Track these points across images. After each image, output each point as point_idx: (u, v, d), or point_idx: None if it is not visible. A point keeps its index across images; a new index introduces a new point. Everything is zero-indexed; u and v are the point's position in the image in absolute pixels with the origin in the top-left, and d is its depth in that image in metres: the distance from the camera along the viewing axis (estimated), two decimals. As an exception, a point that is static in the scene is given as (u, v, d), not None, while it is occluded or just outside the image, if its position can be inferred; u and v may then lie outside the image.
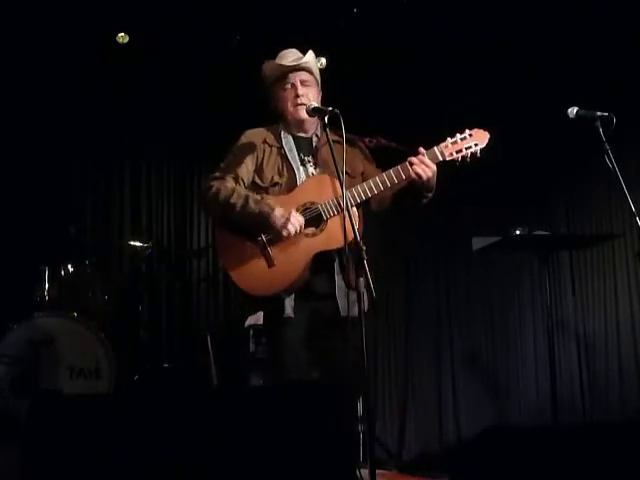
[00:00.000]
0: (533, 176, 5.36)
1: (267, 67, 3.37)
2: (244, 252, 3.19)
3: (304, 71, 3.33)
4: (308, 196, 3.19)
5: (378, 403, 5.35)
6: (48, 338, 4.37)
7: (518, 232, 4.31)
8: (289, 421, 2.46)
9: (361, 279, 2.77)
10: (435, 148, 3.17)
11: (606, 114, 3.14)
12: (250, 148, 3.32)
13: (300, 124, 3.34)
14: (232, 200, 3.17)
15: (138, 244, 5.19)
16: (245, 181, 3.27)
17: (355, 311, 2.88)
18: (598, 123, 3.14)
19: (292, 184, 3.25)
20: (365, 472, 2.76)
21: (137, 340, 5.05)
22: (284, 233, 3.12)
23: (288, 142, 3.34)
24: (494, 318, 5.54)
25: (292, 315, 3.17)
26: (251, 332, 4.80)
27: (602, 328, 5.21)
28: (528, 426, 4.98)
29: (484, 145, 3.18)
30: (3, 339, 4.32)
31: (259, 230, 3.17)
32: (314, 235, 3.18)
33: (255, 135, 3.36)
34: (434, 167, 3.14)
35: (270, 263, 3.16)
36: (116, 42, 5.25)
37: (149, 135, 5.67)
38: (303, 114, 3.26)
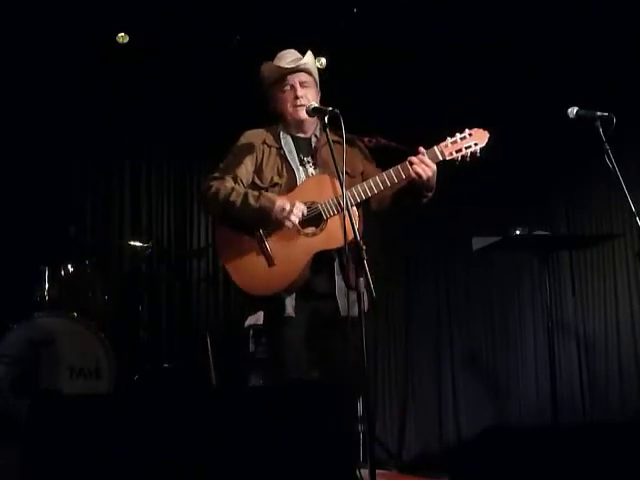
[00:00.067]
0: (533, 176, 5.36)
1: (265, 69, 3.37)
2: (244, 251, 3.19)
3: (303, 72, 3.32)
4: (308, 196, 3.19)
5: (378, 403, 5.35)
6: (48, 338, 4.37)
7: (518, 232, 4.31)
8: (289, 421, 2.46)
9: (361, 279, 2.76)
10: (435, 147, 3.17)
11: (606, 114, 3.14)
12: (249, 149, 3.32)
13: (299, 125, 3.34)
14: (232, 198, 3.17)
15: (138, 244, 5.18)
16: (244, 181, 3.27)
17: (355, 311, 2.88)
18: (598, 123, 3.13)
19: (292, 184, 3.25)
20: (365, 472, 2.76)
21: (137, 340, 5.04)
22: (288, 225, 3.13)
23: (287, 143, 3.34)
24: (494, 318, 5.54)
25: (293, 315, 3.17)
26: (251, 332, 4.79)
27: (602, 328, 5.22)
28: (528, 426, 4.99)
29: (484, 144, 3.18)
30: (3, 339, 4.32)
31: (261, 226, 3.17)
32: (314, 235, 3.18)
33: (254, 136, 3.36)
34: (434, 166, 3.14)
35: (270, 262, 3.16)
36: (116, 42, 5.24)
37: (149, 135, 5.67)
38: (303, 115, 3.26)
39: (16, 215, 5.04)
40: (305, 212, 3.15)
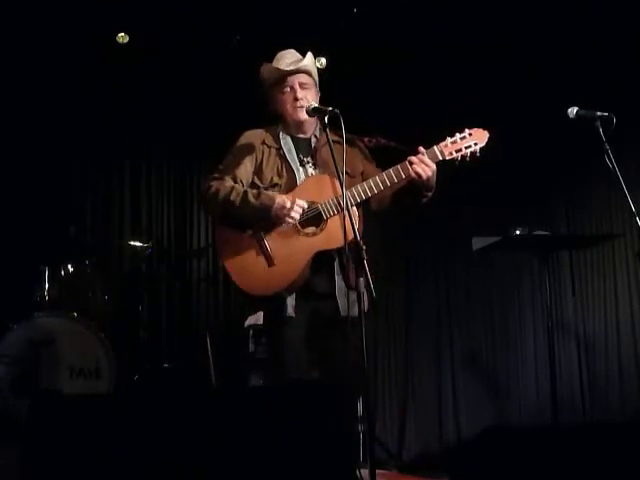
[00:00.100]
0: (533, 176, 5.36)
1: (265, 70, 3.36)
2: (244, 251, 3.19)
3: (303, 73, 3.32)
4: (308, 196, 3.19)
5: (378, 403, 5.35)
6: (48, 338, 4.37)
7: (518, 232, 4.31)
8: (289, 421, 2.46)
9: (361, 279, 2.77)
10: (435, 147, 3.17)
11: (606, 114, 3.14)
12: (249, 149, 3.32)
13: (299, 126, 3.34)
14: (231, 197, 3.17)
15: (138, 244, 5.18)
16: (244, 182, 3.27)
17: (355, 311, 2.88)
18: (598, 123, 3.13)
19: (292, 185, 3.25)
20: (365, 472, 2.76)
21: (137, 340, 5.04)
22: (289, 221, 3.13)
23: (287, 143, 3.34)
24: (494, 318, 5.54)
25: (293, 315, 3.17)
26: (251, 332, 4.80)
27: (602, 328, 5.22)
28: (528, 426, 4.98)
29: (484, 144, 3.18)
30: (3, 339, 4.32)
31: (261, 224, 3.17)
32: (314, 234, 3.18)
33: (254, 136, 3.36)
34: (434, 166, 3.14)
35: (270, 262, 3.16)
36: (116, 42, 5.24)
37: (149, 135, 5.67)
38: (303, 116, 3.27)
39: (16, 215, 5.04)
40: (305, 207, 3.15)
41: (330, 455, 2.44)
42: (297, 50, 3.39)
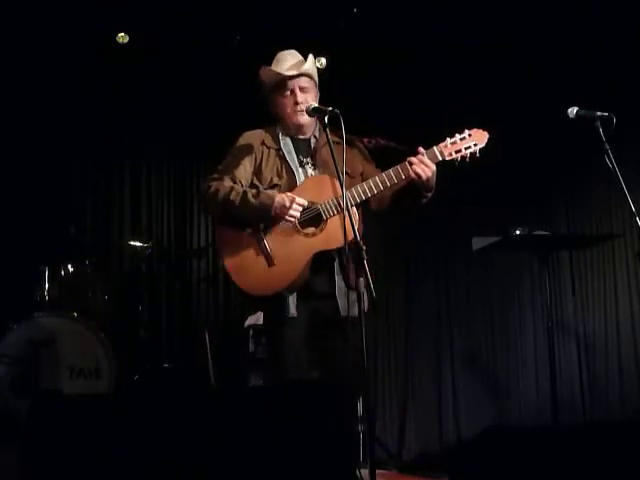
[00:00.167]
0: (533, 176, 5.36)
1: (265, 74, 3.35)
2: (244, 251, 3.19)
3: (304, 77, 3.31)
4: (308, 196, 3.19)
5: (378, 403, 5.35)
6: (48, 338, 4.37)
7: (518, 232, 4.31)
8: (289, 421, 2.46)
9: (361, 279, 2.77)
10: (435, 148, 3.17)
11: (606, 114, 3.14)
12: (248, 150, 3.32)
13: (299, 128, 3.34)
14: (231, 197, 3.17)
15: (138, 244, 5.18)
16: (243, 182, 3.27)
17: (355, 311, 2.88)
18: (598, 123, 3.13)
19: (291, 186, 3.25)
20: (365, 472, 2.76)
21: (137, 340, 5.05)
22: (289, 220, 3.13)
23: (286, 144, 3.34)
24: (494, 318, 5.54)
25: (296, 315, 3.17)
26: (251, 332, 4.80)
27: (602, 328, 5.22)
28: (528, 426, 4.99)
29: (483, 145, 3.18)
30: (3, 339, 4.32)
31: (261, 223, 3.17)
32: (314, 235, 3.18)
33: (253, 137, 3.36)
34: (434, 167, 3.14)
35: (270, 262, 3.16)
36: (116, 42, 5.24)
37: (149, 135, 5.67)
38: (303, 120, 3.28)
39: (16, 215, 5.04)
40: (305, 205, 3.15)
41: (330, 455, 2.44)
42: (297, 50, 3.38)
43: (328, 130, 3.03)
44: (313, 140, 3.37)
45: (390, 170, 3.18)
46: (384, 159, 3.36)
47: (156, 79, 5.45)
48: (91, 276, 4.81)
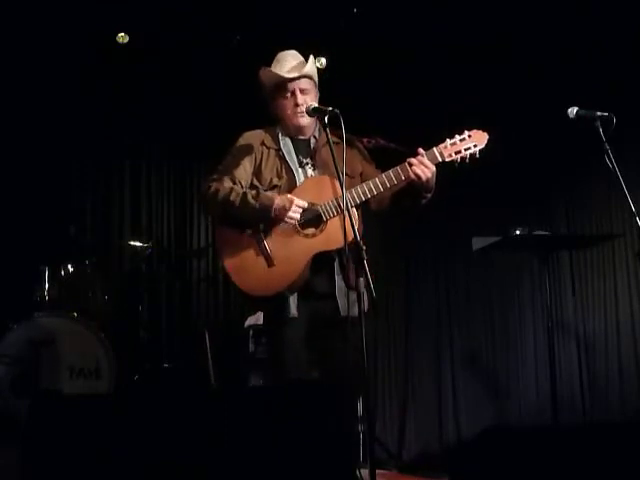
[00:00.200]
0: (533, 176, 5.36)
1: (265, 75, 3.34)
2: (244, 252, 3.20)
3: (304, 78, 3.31)
4: (308, 197, 3.19)
5: (378, 403, 5.35)
6: (48, 338, 4.37)
7: (518, 232, 4.31)
8: (289, 421, 2.46)
9: (361, 279, 2.77)
10: (434, 149, 3.17)
11: (606, 114, 3.14)
12: (248, 150, 3.32)
13: (299, 129, 3.34)
14: (231, 198, 3.17)
15: (138, 244, 5.18)
16: (243, 183, 3.27)
17: (355, 311, 2.88)
18: (598, 123, 3.13)
19: (291, 186, 3.25)
20: (365, 472, 2.76)
21: (137, 340, 5.05)
22: (289, 221, 3.13)
23: (286, 144, 3.34)
24: (494, 318, 5.54)
25: (297, 315, 3.17)
26: (251, 332, 4.80)
27: (602, 328, 5.22)
28: (528, 426, 4.99)
29: (483, 146, 3.18)
30: (3, 339, 4.33)
31: (261, 224, 3.17)
32: (314, 236, 3.18)
33: (253, 137, 3.36)
34: (433, 168, 3.14)
35: (270, 263, 3.16)
36: (116, 42, 5.24)
37: (149, 135, 5.67)
38: (303, 122, 3.28)
39: (16, 215, 5.04)
40: (305, 207, 3.15)
41: (330, 455, 2.45)
42: (297, 51, 3.38)
43: (328, 130, 3.03)
44: (313, 140, 3.37)
45: (390, 171, 3.18)
46: (384, 159, 3.36)
47: (156, 79, 5.45)
48: (91, 276, 4.81)
